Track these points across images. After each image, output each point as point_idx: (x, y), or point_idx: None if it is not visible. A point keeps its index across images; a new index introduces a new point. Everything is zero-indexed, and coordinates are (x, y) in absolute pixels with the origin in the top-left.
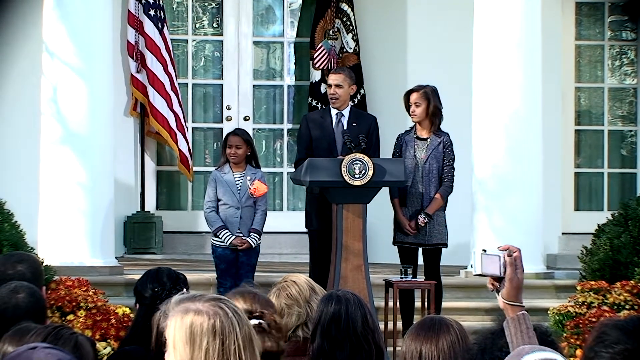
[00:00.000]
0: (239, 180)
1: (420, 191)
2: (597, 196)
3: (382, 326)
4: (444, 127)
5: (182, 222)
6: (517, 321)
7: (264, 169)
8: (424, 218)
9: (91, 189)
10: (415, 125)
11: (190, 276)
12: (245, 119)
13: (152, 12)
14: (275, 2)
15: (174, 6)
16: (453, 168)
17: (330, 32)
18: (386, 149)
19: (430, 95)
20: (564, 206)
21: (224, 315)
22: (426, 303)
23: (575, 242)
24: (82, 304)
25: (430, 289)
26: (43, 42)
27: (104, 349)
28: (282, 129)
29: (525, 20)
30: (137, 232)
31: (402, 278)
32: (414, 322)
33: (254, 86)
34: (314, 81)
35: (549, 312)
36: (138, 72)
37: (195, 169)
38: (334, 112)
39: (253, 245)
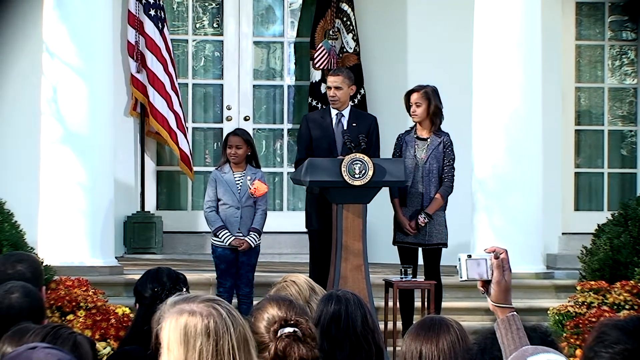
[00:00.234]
0: (239, 180)
1: (420, 191)
2: (597, 196)
3: (382, 326)
4: (444, 127)
5: (182, 222)
6: (507, 322)
7: (264, 169)
8: (424, 218)
9: (91, 188)
10: (415, 125)
11: (190, 276)
12: (246, 119)
13: (152, 12)
14: (276, 2)
15: (174, 6)
16: (453, 168)
17: (331, 32)
18: (386, 149)
19: (431, 95)
20: (564, 206)
21: (218, 316)
22: (426, 303)
23: (575, 242)
24: (82, 304)
25: (430, 289)
26: (43, 42)
27: (104, 348)
28: (282, 129)
29: (525, 20)
30: (137, 232)
31: (402, 278)
32: (414, 322)
33: (254, 86)
34: (314, 81)
35: (548, 312)
36: (138, 72)
37: (195, 168)
38: (334, 112)
39: (252, 245)
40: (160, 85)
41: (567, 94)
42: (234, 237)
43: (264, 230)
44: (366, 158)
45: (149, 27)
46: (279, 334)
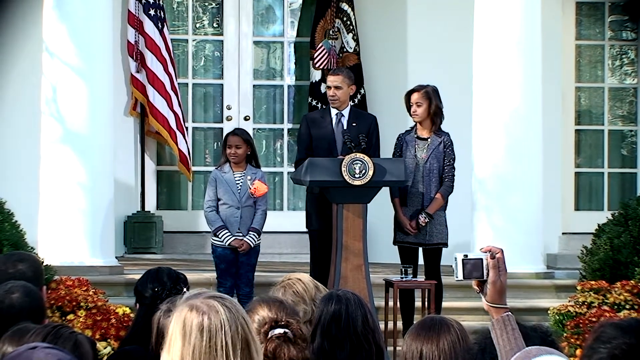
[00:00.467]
0: (239, 180)
1: (420, 191)
2: (597, 196)
3: (382, 326)
4: (444, 126)
5: (182, 222)
6: (502, 323)
7: (264, 169)
8: (425, 218)
9: (91, 188)
10: (415, 125)
11: (191, 276)
12: (246, 118)
13: (152, 12)
14: (276, 2)
15: (174, 6)
16: (453, 168)
17: (331, 32)
18: (386, 149)
19: (432, 95)
20: (564, 206)
21: (215, 313)
22: (426, 303)
23: (576, 242)
24: (82, 304)
25: (430, 288)
26: (43, 41)
27: (104, 348)
28: (282, 129)
29: (525, 20)
30: (137, 231)
31: (402, 278)
32: (415, 322)
33: (254, 86)
34: (314, 81)
35: (549, 311)
36: (138, 71)
37: (195, 168)
38: (334, 112)
39: (252, 245)
40: (160, 85)
41: (567, 94)
42: (233, 238)
43: (264, 230)
44: (366, 158)
45: (149, 27)
46: (269, 335)
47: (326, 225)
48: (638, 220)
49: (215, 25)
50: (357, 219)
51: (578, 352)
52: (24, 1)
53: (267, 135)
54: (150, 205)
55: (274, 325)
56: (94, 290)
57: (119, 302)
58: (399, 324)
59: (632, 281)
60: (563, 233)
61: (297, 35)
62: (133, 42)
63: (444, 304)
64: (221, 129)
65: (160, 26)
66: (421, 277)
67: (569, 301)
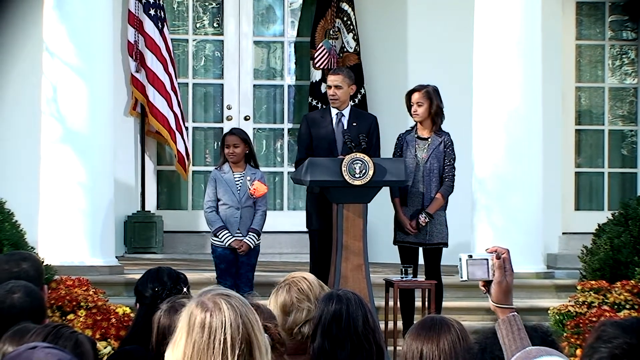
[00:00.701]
0: (238, 180)
1: (421, 191)
2: (598, 196)
3: (382, 326)
4: (444, 126)
5: (183, 222)
6: (508, 323)
7: (264, 169)
8: (425, 217)
9: (91, 188)
10: (416, 124)
11: (191, 276)
12: (246, 118)
13: (152, 12)
14: (276, 1)
15: (175, 6)
16: (454, 168)
17: (331, 32)
18: (387, 149)
19: (433, 94)
20: (564, 206)
21: (218, 310)
22: (427, 303)
23: (576, 242)
24: (82, 304)
25: (430, 288)
26: (43, 41)
27: (105, 348)
28: (283, 129)
29: (525, 20)
30: (138, 231)
31: (402, 278)
32: (415, 322)
33: (254, 86)
34: (314, 81)
35: (549, 311)
36: (137, 71)
37: (195, 168)
38: (334, 111)
39: (251, 246)
40: (161, 85)
41: (567, 94)
42: (233, 238)
43: (264, 229)
44: (366, 158)
45: (149, 27)
46: None
47: (326, 225)
48: (638, 220)
49: (215, 25)
50: (358, 219)
51: (578, 351)
52: (24, 1)
53: (268, 135)
54: (151, 205)
55: None
56: (94, 290)
57: (119, 302)
58: (399, 324)
59: (632, 281)
60: (563, 233)
61: (298, 35)
62: (133, 42)
63: (445, 304)
64: (221, 129)
65: (160, 26)
66: (421, 277)
67: (569, 301)
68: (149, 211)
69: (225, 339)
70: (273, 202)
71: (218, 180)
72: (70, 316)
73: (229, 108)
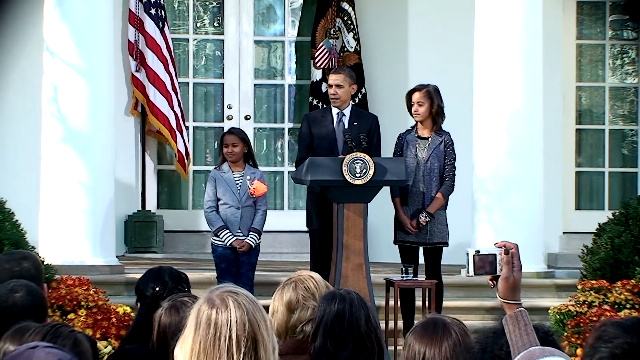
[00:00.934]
0: (238, 180)
1: (421, 190)
2: (598, 195)
3: (382, 325)
4: (444, 126)
5: (183, 221)
6: (515, 318)
7: (265, 168)
8: (426, 217)
9: (92, 188)
10: (416, 124)
11: (191, 275)
12: (246, 118)
13: (152, 11)
14: (276, 1)
15: (175, 5)
16: (454, 167)
17: (331, 31)
18: (387, 148)
19: (433, 94)
20: (565, 205)
21: (224, 308)
22: (427, 302)
23: (576, 241)
24: (82, 303)
25: (431, 288)
26: (44, 41)
27: (105, 347)
28: (283, 128)
29: (526, 19)
30: (138, 231)
31: (403, 277)
32: (416, 322)
33: (254, 85)
34: (314, 80)
35: (549, 311)
36: (137, 71)
37: (196, 168)
38: (335, 111)
39: (252, 246)
40: (161, 84)
41: (568, 93)
42: (235, 238)
43: (265, 229)
44: (367, 157)
45: (150, 26)
46: None
47: (327, 225)
48: (639, 220)
49: (216, 24)
50: (358, 218)
51: (579, 351)
52: (24, 1)
53: (268, 135)
54: (151, 204)
55: None
56: (94, 289)
57: (119, 302)
58: (400, 324)
59: (632, 280)
60: (564, 232)
61: (298, 35)
62: (133, 41)
63: (445, 304)
64: (222, 128)
65: (161, 25)
66: (422, 277)
67: (570, 300)
68: (150, 211)
69: (230, 336)
70: (273, 202)
71: (218, 179)
72: (71, 315)
73: (229, 107)
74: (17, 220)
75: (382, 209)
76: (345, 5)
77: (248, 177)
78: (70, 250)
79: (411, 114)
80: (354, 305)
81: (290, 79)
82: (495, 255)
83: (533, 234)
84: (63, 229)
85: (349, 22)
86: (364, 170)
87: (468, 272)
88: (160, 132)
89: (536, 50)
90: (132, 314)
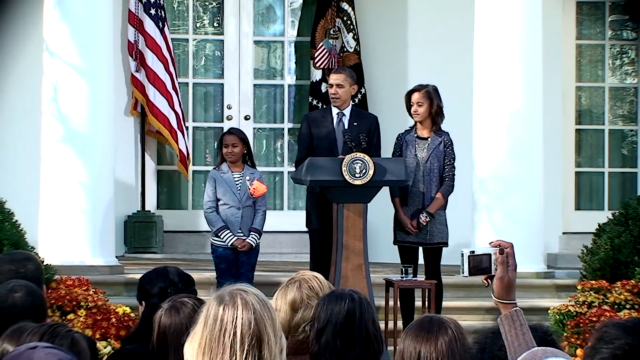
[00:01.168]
0: (238, 180)
1: (421, 190)
2: (598, 195)
3: (382, 325)
4: (444, 126)
5: (183, 222)
6: (510, 318)
7: (264, 168)
8: (426, 217)
9: (92, 188)
10: (415, 124)
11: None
12: (246, 118)
13: (152, 11)
14: (276, 1)
15: (175, 5)
16: (454, 167)
17: (331, 32)
18: (387, 149)
19: (433, 94)
20: (565, 205)
21: (232, 305)
22: (427, 302)
23: (576, 242)
24: (82, 303)
25: (430, 288)
26: (44, 41)
27: (105, 348)
28: (283, 128)
29: (526, 19)
30: (138, 231)
31: (402, 277)
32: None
33: (254, 85)
34: (314, 80)
35: (549, 311)
36: (137, 71)
37: (195, 168)
38: (334, 111)
39: (253, 245)
40: (161, 84)
41: (567, 94)
42: (236, 238)
43: (264, 229)
44: (367, 157)
45: (149, 26)
46: None
47: (326, 225)
48: (638, 220)
49: (215, 24)
50: (358, 219)
51: (578, 351)
52: (24, 1)
53: (268, 135)
54: (151, 204)
55: None
56: (94, 289)
57: (119, 302)
58: (399, 324)
59: (632, 281)
60: (563, 233)
61: (298, 35)
62: (133, 42)
63: (445, 304)
64: (221, 129)
65: (161, 25)
66: (421, 277)
67: (570, 301)
68: (149, 211)
69: (235, 332)
70: (273, 202)
71: (217, 180)
72: (70, 316)
73: (229, 108)
74: (16, 221)
75: (381, 210)
76: (345, 6)
77: (248, 178)
78: (69, 251)
79: (410, 115)
80: (363, 305)
81: (289, 79)
82: (490, 255)
83: (533, 234)
84: (63, 229)
85: (349, 22)
86: (364, 171)
87: (463, 273)
88: (160, 132)
89: (536, 51)
90: (132, 314)
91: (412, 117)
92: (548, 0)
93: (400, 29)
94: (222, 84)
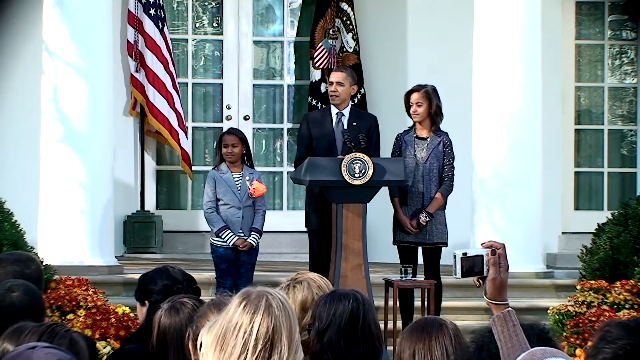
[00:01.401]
0: (238, 180)
1: (420, 190)
2: (597, 195)
3: (381, 325)
4: (444, 126)
5: (182, 222)
6: (502, 319)
7: (264, 169)
8: (426, 217)
9: (91, 188)
10: (414, 124)
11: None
12: (245, 118)
13: (152, 12)
14: (276, 1)
15: (174, 5)
16: (453, 167)
17: (331, 32)
18: (386, 149)
19: (432, 94)
20: (564, 205)
21: (252, 306)
22: (426, 302)
23: (575, 242)
24: (81, 304)
25: (430, 288)
26: (43, 41)
27: (104, 348)
28: (282, 129)
29: (525, 19)
30: (137, 231)
31: (402, 277)
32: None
33: (254, 85)
34: (314, 80)
35: (548, 311)
36: (137, 71)
37: (195, 168)
38: (334, 111)
39: (254, 245)
40: (161, 84)
41: (567, 94)
42: (237, 237)
43: (264, 229)
44: (366, 157)
45: (149, 26)
46: None
47: (326, 225)
48: (638, 220)
49: (215, 24)
50: (357, 219)
51: (578, 351)
52: (24, 1)
53: (267, 135)
54: (150, 204)
55: None
56: (93, 289)
57: (118, 302)
58: (399, 324)
59: (631, 281)
60: (563, 232)
61: (297, 35)
62: (132, 42)
63: (444, 304)
64: (221, 129)
65: (160, 26)
66: (421, 277)
67: (569, 301)
68: (149, 211)
69: (250, 333)
70: (272, 202)
71: (217, 180)
72: (70, 316)
73: (228, 108)
74: (16, 221)
75: (381, 210)
76: (345, 6)
77: (247, 178)
78: (69, 251)
79: (409, 115)
80: (366, 305)
81: (289, 79)
82: (482, 256)
83: (532, 234)
84: (62, 229)
85: (348, 22)
86: (363, 171)
87: (456, 274)
88: (159, 132)
89: (535, 51)
90: (131, 315)
91: (411, 117)
92: (547, 0)
93: (399, 29)
94: (222, 84)
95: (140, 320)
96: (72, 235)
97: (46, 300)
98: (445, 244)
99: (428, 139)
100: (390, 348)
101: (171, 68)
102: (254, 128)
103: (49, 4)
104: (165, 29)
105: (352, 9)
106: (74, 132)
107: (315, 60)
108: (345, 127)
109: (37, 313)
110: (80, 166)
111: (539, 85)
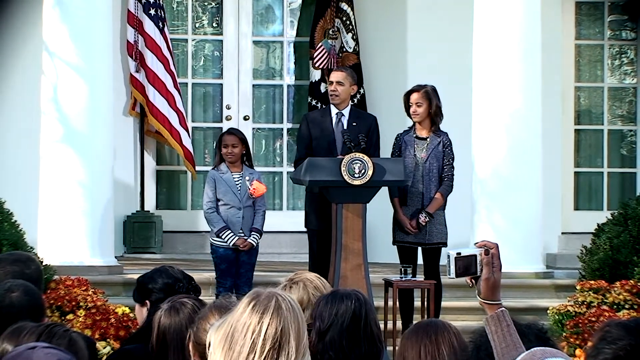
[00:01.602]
0: (238, 181)
1: (420, 190)
2: (597, 196)
3: (381, 325)
4: (444, 126)
5: (182, 222)
6: (496, 319)
7: (264, 169)
8: (425, 217)
9: (91, 188)
10: (414, 124)
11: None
12: (245, 118)
13: (152, 12)
14: (275, 1)
15: (174, 5)
16: (453, 167)
17: (330, 32)
18: (386, 149)
19: (432, 94)
20: (564, 206)
21: (261, 307)
22: (426, 302)
23: (575, 242)
24: (81, 304)
25: (430, 288)
26: (43, 41)
27: (104, 348)
28: (282, 129)
29: (525, 20)
30: (137, 231)
31: (401, 277)
32: (412, 324)
33: (253, 86)
34: (313, 80)
35: (548, 311)
36: (137, 71)
37: (195, 168)
38: (334, 111)
39: (254, 245)
40: (161, 85)
41: (566, 94)
42: (237, 237)
43: (264, 229)
44: (366, 157)
45: (149, 27)
46: None
47: (325, 225)
48: (637, 220)
49: (214, 25)
50: (357, 219)
51: (577, 351)
52: (24, 1)
53: (267, 135)
54: (150, 204)
55: None
56: (93, 290)
57: (118, 302)
58: (399, 324)
59: (631, 281)
60: (562, 233)
61: (297, 35)
62: (132, 42)
63: (444, 304)
64: (221, 129)
65: (160, 26)
66: (420, 277)
67: (569, 301)
68: (148, 211)
69: (259, 333)
70: (272, 202)
71: (217, 180)
72: (70, 316)
73: (228, 108)
74: (15, 221)
75: (380, 210)
76: (344, 6)
77: (247, 178)
78: (69, 251)
79: (409, 115)
80: (367, 305)
81: (289, 79)
82: (475, 256)
83: (532, 234)
84: (62, 230)
85: (348, 22)
86: (363, 171)
87: (450, 275)
88: (159, 132)
89: (535, 51)
90: (131, 315)
91: (411, 118)
92: (547, 0)
93: (399, 29)
94: (221, 84)
95: (140, 320)
96: (72, 236)
97: (46, 301)
98: (445, 244)
99: (428, 139)
100: (390, 348)
101: (172, 67)
102: (253, 128)
103: (49, 4)
104: (166, 29)
105: (352, 9)
106: (74, 132)
107: (315, 61)
108: (345, 127)
109: (36, 313)
110: (80, 166)
111: (539, 85)
